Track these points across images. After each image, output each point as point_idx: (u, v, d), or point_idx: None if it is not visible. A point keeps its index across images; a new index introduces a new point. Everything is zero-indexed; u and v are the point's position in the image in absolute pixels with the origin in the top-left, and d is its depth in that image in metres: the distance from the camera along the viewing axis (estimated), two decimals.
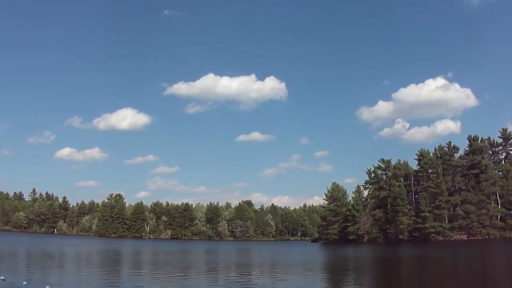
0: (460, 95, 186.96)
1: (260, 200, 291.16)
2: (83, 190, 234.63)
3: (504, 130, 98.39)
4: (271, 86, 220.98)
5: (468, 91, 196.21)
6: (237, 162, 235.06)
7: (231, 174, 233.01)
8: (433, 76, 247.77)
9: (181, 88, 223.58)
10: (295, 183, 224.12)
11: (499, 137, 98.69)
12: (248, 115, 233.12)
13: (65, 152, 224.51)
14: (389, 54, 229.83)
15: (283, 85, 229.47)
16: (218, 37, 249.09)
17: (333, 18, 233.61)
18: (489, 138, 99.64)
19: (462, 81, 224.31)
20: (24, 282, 22.73)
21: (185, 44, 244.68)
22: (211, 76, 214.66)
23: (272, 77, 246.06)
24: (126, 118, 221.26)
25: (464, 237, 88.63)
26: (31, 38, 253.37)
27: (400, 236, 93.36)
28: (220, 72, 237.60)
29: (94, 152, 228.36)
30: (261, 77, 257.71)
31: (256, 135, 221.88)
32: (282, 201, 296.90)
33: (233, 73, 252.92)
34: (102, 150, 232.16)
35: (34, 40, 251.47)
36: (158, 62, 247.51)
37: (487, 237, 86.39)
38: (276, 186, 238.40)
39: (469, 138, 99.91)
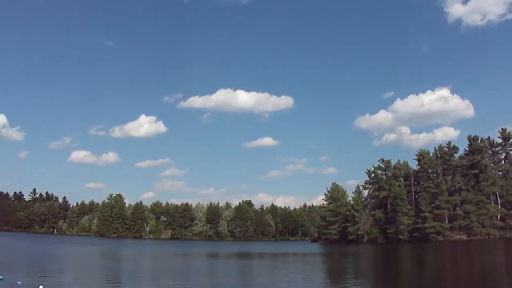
0: (460, 106, 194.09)
1: (266, 200, 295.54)
2: (93, 191, 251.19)
3: (504, 130, 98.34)
4: (283, 100, 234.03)
5: (467, 101, 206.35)
6: (246, 166, 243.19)
7: (240, 176, 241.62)
8: (433, 87, 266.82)
9: (196, 101, 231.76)
10: (301, 184, 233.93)
11: (499, 137, 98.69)
12: (260, 124, 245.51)
13: (80, 154, 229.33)
14: (391, 69, 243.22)
15: (292, 98, 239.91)
16: (235, 58, 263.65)
17: (337, 36, 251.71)
18: (488, 138, 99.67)
19: (462, 92, 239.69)
20: (18, 282, 22.78)
21: (208, 63, 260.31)
22: (227, 90, 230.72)
23: (283, 92, 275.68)
24: (144, 126, 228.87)
25: (464, 237, 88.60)
26: (62, 49, 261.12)
27: (400, 236, 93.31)
28: (235, 87, 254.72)
29: (108, 156, 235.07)
30: (273, 93, 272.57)
31: (266, 141, 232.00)
32: (287, 201, 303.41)
33: (248, 89, 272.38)
34: (118, 154, 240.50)
35: (66, 52, 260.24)
36: (180, 77, 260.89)
37: (487, 237, 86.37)
38: (283, 187, 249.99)
39: (469, 138, 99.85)
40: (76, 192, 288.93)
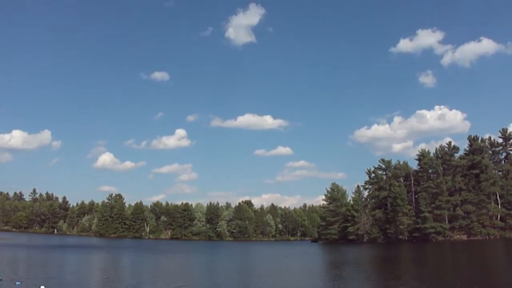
0: (459, 124, 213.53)
1: (276, 201, 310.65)
2: (105, 194, 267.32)
3: (504, 130, 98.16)
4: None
5: (466, 121, 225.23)
6: (259, 170, 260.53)
7: (253, 180, 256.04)
8: (431, 107, 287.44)
9: (223, 122, 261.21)
10: (309, 187, 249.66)
11: (499, 137, 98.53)
12: (275, 137, 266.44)
13: (105, 159, 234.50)
14: (392, 90, 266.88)
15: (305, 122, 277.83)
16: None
17: (340, 61, 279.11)
18: (489, 138, 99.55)
19: (460, 109, 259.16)
20: (17, 282, 22.64)
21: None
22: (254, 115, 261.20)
23: (298, 117, 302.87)
24: (175, 140, 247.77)
25: (464, 237, 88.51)
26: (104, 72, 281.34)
27: (400, 236, 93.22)
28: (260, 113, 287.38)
29: (131, 163, 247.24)
30: (290, 119, 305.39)
31: (283, 150, 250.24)
32: (293, 201, 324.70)
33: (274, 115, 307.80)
34: (139, 162, 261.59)
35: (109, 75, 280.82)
36: (212, 102, 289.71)
37: (487, 237, 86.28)
38: (295, 189, 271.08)
39: (469, 138, 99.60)
40: (90, 194, 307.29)
